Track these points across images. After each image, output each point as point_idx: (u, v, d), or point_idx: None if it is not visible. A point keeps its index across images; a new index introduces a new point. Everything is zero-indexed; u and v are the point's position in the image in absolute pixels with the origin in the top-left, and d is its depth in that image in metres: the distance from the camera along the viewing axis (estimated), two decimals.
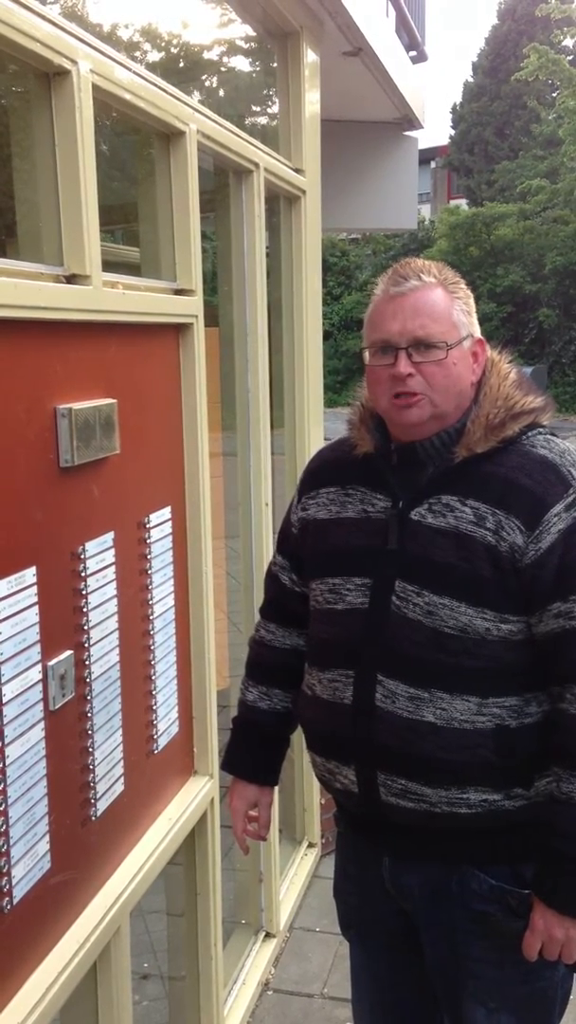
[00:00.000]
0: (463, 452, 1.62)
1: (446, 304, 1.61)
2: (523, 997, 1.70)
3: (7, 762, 1.49)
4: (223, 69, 3.26)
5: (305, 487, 1.84)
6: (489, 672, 1.58)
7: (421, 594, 1.59)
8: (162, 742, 2.12)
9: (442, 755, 1.58)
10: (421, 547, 1.61)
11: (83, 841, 1.77)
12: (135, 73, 1.87)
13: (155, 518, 2.06)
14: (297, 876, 3.47)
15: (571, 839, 1.56)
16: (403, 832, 1.67)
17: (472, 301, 1.68)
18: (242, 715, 1.98)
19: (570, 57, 19.83)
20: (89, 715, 1.76)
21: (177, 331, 2.17)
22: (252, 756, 1.96)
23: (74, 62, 1.63)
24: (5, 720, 1.48)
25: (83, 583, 1.72)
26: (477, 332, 1.66)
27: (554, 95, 22.02)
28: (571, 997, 1.79)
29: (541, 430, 1.65)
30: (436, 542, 1.59)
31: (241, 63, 3.39)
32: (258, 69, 3.41)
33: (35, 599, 1.55)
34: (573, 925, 1.58)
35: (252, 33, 3.19)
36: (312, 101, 3.32)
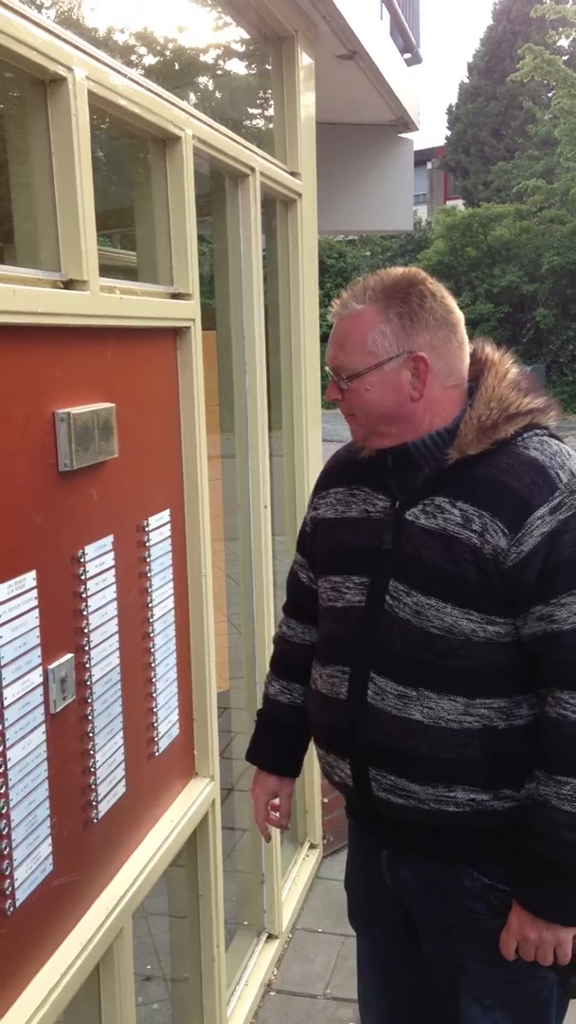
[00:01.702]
0: (455, 454, 1.63)
1: (361, 332, 1.62)
2: (515, 996, 1.71)
3: (9, 765, 1.50)
4: (218, 73, 3.27)
5: (318, 487, 1.88)
6: (477, 673, 1.60)
7: (410, 594, 1.62)
8: (163, 744, 2.13)
9: (429, 753, 1.60)
10: (413, 548, 1.63)
11: (85, 843, 1.77)
12: (131, 79, 1.88)
13: (154, 521, 2.06)
14: (299, 877, 3.48)
15: (546, 841, 1.56)
16: (396, 827, 1.70)
17: (424, 313, 1.62)
18: (265, 707, 2.02)
19: (565, 57, 19.85)
20: (90, 718, 1.76)
21: (175, 335, 2.18)
22: (273, 747, 2.00)
23: (70, 69, 1.64)
24: (6, 723, 1.49)
25: (83, 586, 1.73)
26: (421, 347, 1.61)
27: (549, 95, 22.03)
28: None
29: (538, 431, 1.65)
30: (426, 543, 1.61)
31: (236, 67, 3.40)
32: (253, 73, 3.42)
33: (35, 603, 1.56)
34: (546, 927, 1.58)
35: (246, 37, 3.20)
36: (307, 104, 3.33)
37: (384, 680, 1.63)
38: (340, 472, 1.83)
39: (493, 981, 1.69)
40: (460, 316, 1.69)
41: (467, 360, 1.70)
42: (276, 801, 2.00)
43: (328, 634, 1.78)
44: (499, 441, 1.62)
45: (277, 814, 2.01)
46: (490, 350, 1.73)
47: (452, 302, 1.69)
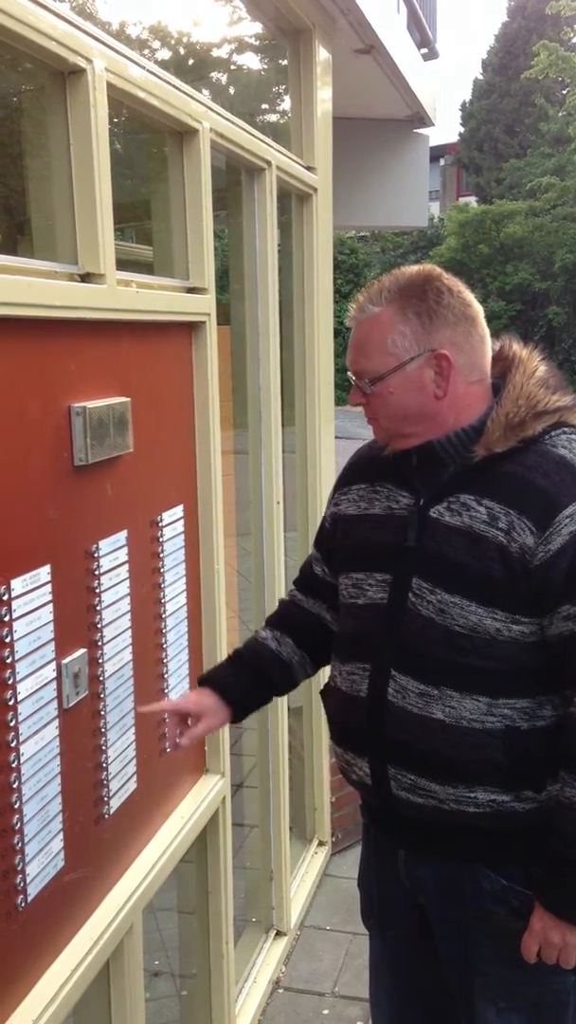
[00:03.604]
0: (482, 451, 1.61)
1: (380, 334, 1.61)
2: (532, 999, 1.69)
3: (22, 759, 1.50)
4: (235, 67, 3.26)
5: (340, 483, 1.86)
6: (500, 672, 1.58)
7: (434, 592, 1.60)
8: None
9: (450, 752, 1.58)
10: (437, 545, 1.61)
11: (96, 839, 1.77)
12: (149, 71, 1.87)
13: (168, 516, 2.06)
14: (307, 874, 3.47)
15: (571, 842, 1.55)
16: (415, 826, 1.68)
17: (442, 309, 1.60)
18: (246, 644, 1.94)
19: None
20: (102, 713, 1.76)
21: (190, 329, 2.17)
22: (234, 673, 1.88)
23: (89, 60, 1.62)
24: (20, 717, 1.49)
25: (97, 581, 1.73)
26: (442, 345, 1.60)
27: (564, 92, 21.92)
28: None
29: (566, 429, 1.63)
30: (451, 540, 1.59)
31: (253, 61, 3.38)
32: (269, 67, 3.40)
33: (49, 597, 1.56)
34: (571, 930, 1.57)
35: (264, 31, 3.19)
36: (324, 99, 3.32)
37: (406, 678, 1.62)
38: (363, 469, 1.81)
39: (510, 983, 1.68)
40: (479, 309, 1.67)
41: (489, 354, 1.68)
42: (201, 725, 1.80)
43: (348, 631, 1.76)
44: (526, 439, 1.60)
45: (184, 740, 1.80)
46: (517, 347, 1.71)
47: (470, 296, 1.66)
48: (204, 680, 1.89)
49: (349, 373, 1.68)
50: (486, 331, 1.67)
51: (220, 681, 1.87)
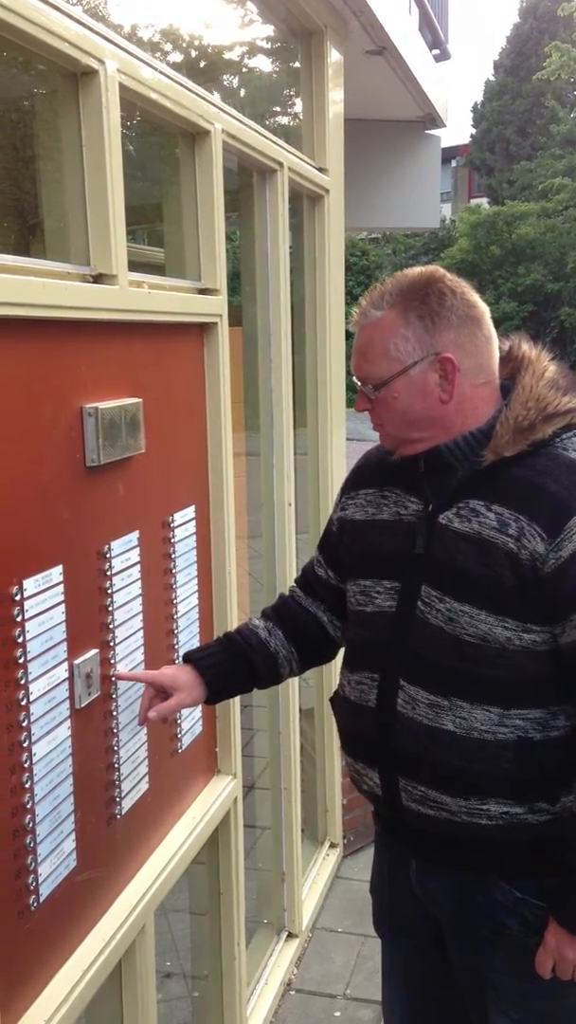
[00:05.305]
0: (491, 455, 1.57)
1: (383, 339, 1.58)
2: (548, 1012, 1.67)
3: (34, 759, 1.50)
4: (246, 68, 3.26)
5: (347, 487, 1.83)
6: (512, 683, 1.55)
7: (443, 600, 1.57)
8: (186, 741, 2.13)
9: (461, 764, 1.56)
10: (446, 552, 1.57)
11: (108, 839, 1.77)
12: (161, 73, 1.87)
13: (179, 517, 2.06)
14: (319, 876, 3.47)
15: None
16: (426, 837, 1.66)
17: (445, 312, 1.57)
18: (237, 628, 1.90)
19: None
20: (114, 714, 1.76)
21: (201, 330, 2.17)
22: (218, 654, 1.83)
23: (102, 62, 1.63)
24: (32, 718, 1.49)
25: (108, 582, 1.73)
26: (446, 348, 1.57)
27: (575, 94, 21.89)
28: None
29: None
30: (460, 547, 1.56)
31: (264, 62, 3.39)
32: (281, 68, 3.41)
33: (61, 598, 1.56)
34: None
35: (275, 32, 3.19)
36: (336, 100, 3.31)
37: (415, 688, 1.59)
38: (371, 473, 1.78)
39: (523, 996, 1.66)
40: (484, 310, 1.63)
41: (496, 355, 1.65)
42: (172, 700, 1.75)
43: (357, 639, 1.73)
44: (536, 442, 1.56)
45: (153, 714, 1.74)
46: (527, 347, 1.67)
47: (474, 296, 1.63)
48: (187, 657, 1.84)
49: (354, 379, 1.66)
50: (492, 332, 1.64)
51: (202, 660, 1.81)
